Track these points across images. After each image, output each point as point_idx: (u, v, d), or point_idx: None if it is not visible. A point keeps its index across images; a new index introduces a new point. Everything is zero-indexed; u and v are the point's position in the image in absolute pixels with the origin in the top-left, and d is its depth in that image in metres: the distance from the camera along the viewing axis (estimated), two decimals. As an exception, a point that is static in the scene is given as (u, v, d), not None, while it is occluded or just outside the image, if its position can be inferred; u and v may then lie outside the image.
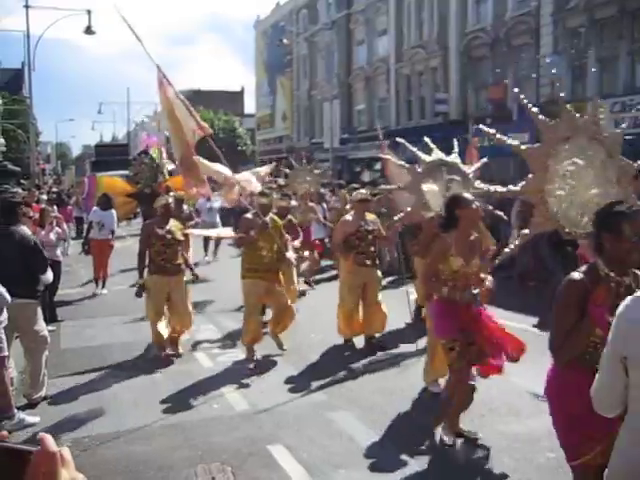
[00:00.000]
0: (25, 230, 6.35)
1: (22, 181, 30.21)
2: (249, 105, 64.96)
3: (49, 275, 7.60)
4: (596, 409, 2.62)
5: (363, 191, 8.61)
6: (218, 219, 15.29)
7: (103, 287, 12.09)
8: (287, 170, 15.43)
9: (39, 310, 6.36)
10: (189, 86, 72.05)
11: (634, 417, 2.49)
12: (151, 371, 7.16)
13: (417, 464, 4.82)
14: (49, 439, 1.00)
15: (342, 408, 5.96)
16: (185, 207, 11.85)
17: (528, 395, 6.06)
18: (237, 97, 71.50)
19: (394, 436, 5.31)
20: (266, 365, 7.27)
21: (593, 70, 19.28)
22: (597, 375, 2.57)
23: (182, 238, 7.86)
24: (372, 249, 7.86)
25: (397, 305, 8.59)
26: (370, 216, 8.00)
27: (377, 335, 8.06)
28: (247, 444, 5.19)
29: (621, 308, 2.48)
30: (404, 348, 7.88)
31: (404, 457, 4.93)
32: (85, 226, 14.92)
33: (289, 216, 8.93)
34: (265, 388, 6.54)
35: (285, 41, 37.39)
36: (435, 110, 26.77)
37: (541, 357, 6.56)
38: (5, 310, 5.58)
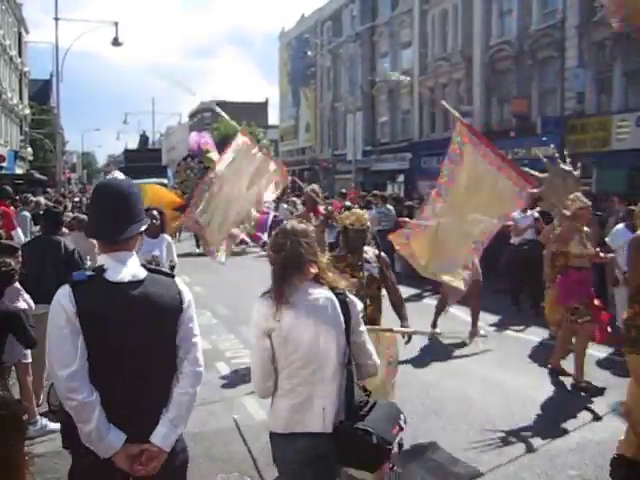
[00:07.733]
0: (66, 240, 6.62)
1: (48, 189, 30.64)
2: (273, 116, 65.47)
3: None
4: None
5: None
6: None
7: None
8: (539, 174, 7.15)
9: None
10: (213, 97, 72.98)
11: None
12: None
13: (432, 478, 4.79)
14: None
15: (361, 420, 5.93)
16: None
17: (548, 411, 5.99)
18: (261, 108, 72.05)
19: (408, 447, 5.26)
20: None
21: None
22: None
23: None
24: None
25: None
26: None
27: None
28: (266, 454, 5.13)
29: None
30: (416, 358, 7.84)
31: (419, 470, 4.91)
32: None
33: None
34: (285, 399, 6.52)
35: (309, 53, 37.61)
36: (458, 122, 26.71)
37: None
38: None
